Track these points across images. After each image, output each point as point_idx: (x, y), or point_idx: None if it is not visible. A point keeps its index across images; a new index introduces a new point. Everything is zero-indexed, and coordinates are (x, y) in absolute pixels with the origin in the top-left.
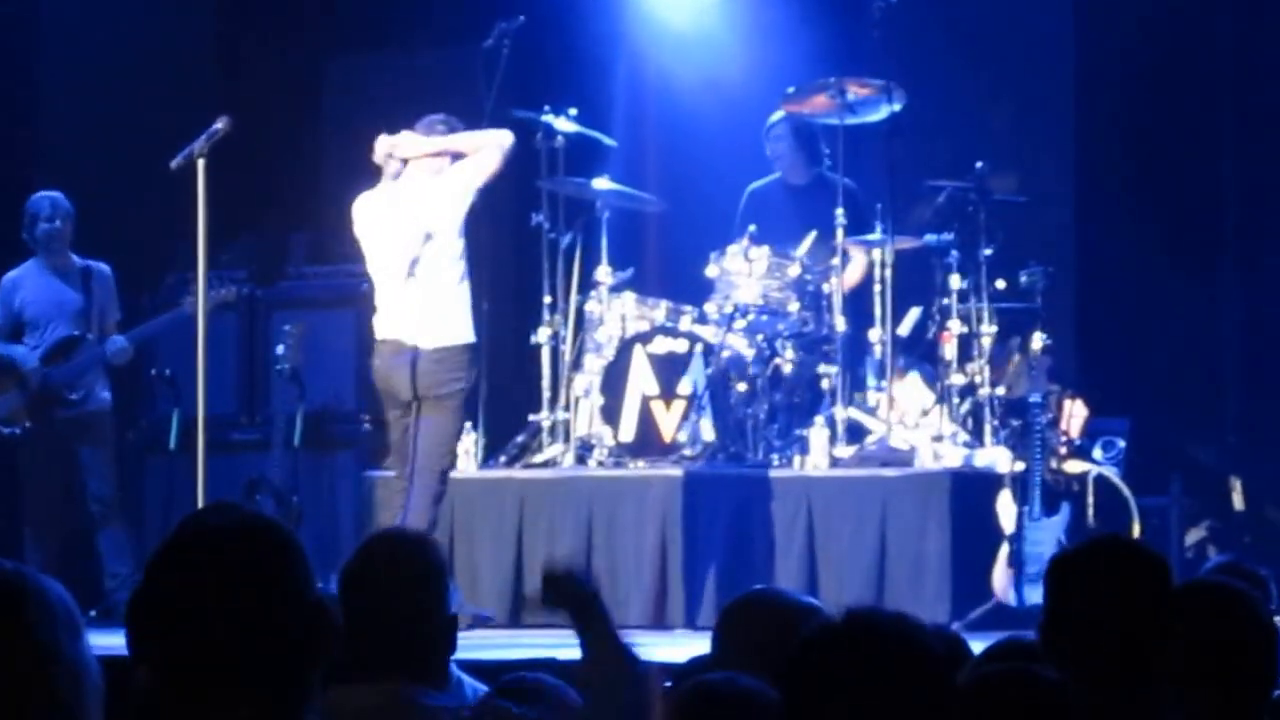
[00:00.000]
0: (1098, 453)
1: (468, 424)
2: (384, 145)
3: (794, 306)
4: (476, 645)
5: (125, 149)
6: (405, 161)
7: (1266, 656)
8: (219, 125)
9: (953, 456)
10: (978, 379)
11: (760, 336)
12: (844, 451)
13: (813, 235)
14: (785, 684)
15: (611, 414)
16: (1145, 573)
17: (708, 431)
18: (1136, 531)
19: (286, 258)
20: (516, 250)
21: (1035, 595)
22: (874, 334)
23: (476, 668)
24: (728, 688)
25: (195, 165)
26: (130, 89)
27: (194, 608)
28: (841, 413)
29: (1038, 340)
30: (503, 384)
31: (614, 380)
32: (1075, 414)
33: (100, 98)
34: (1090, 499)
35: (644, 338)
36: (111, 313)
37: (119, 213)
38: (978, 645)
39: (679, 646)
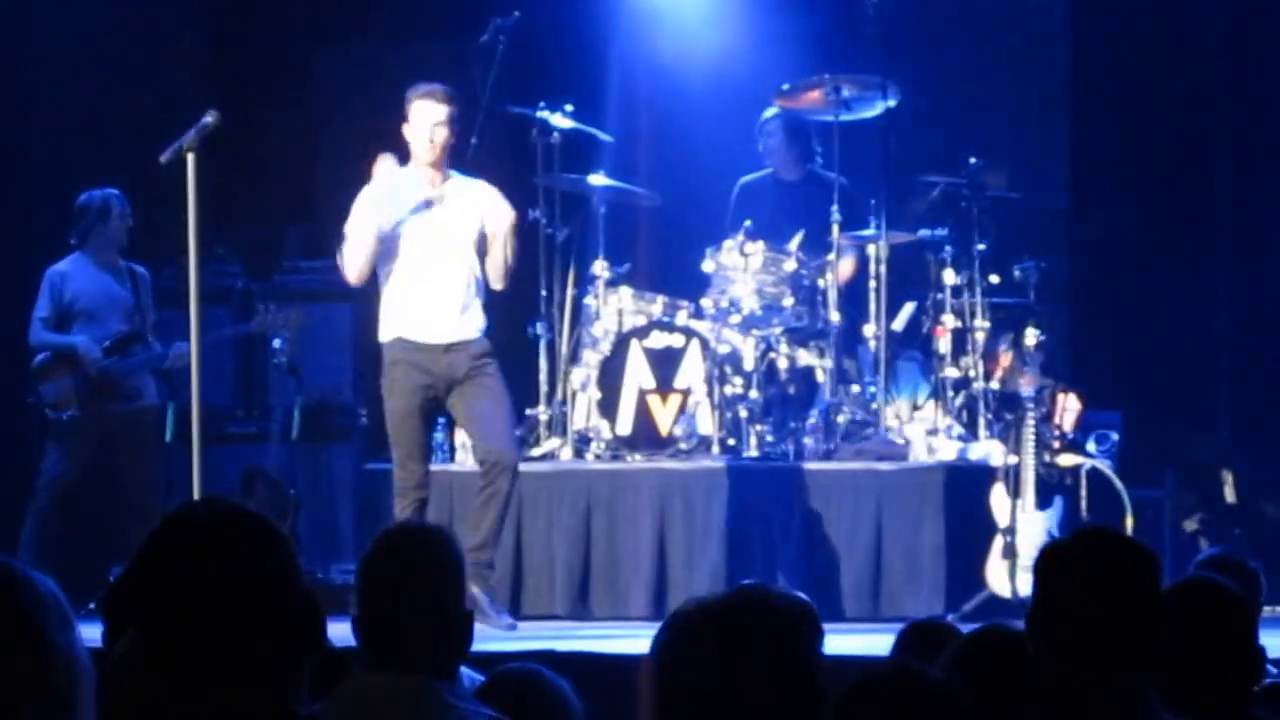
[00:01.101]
0: (1091, 446)
1: None
2: None
3: (789, 301)
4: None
5: (118, 141)
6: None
7: (1248, 650)
8: (208, 119)
9: (947, 450)
10: (971, 373)
11: (756, 331)
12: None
13: (800, 235)
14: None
15: (609, 408)
16: (1133, 564)
17: (704, 425)
18: (1130, 524)
19: (281, 251)
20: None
21: (1028, 587)
22: (869, 329)
23: (473, 657)
24: None
25: (185, 159)
26: (122, 82)
27: (179, 599)
28: (836, 406)
29: (1031, 335)
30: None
31: (611, 374)
32: (1069, 408)
33: (92, 91)
34: (1083, 492)
35: (640, 332)
36: (150, 314)
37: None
38: None
39: None
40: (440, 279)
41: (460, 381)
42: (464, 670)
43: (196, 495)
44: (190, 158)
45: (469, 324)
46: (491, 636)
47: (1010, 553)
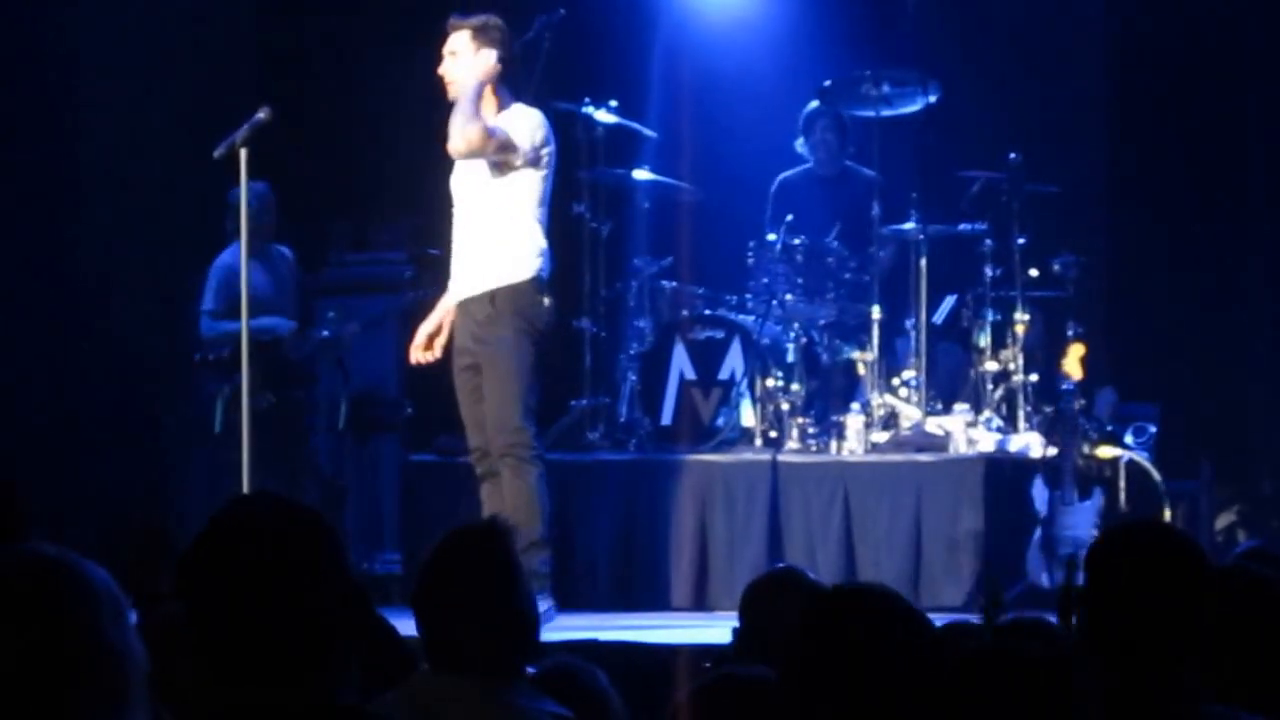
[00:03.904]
0: (1129, 438)
1: None
2: None
3: (830, 295)
4: None
5: (170, 138)
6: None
7: None
8: (261, 115)
9: (986, 442)
10: (1011, 366)
11: (797, 324)
12: (880, 437)
13: (837, 227)
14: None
15: (651, 400)
16: (1182, 558)
17: (745, 417)
18: (1167, 516)
19: (328, 245)
20: (558, 239)
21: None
22: (909, 322)
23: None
24: (749, 675)
25: (238, 154)
26: (173, 79)
27: (229, 593)
28: (877, 399)
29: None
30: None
31: (654, 367)
32: (1071, 355)
33: (144, 88)
34: (1122, 484)
35: (683, 325)
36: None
37: (165, 200)
38: None
39: (720, 628)
40: (461, 230)
41: (476, 350)
42: None
43: (245, 487)
44: (243, 153)
45: (478, 277)
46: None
47: (1049, 544)
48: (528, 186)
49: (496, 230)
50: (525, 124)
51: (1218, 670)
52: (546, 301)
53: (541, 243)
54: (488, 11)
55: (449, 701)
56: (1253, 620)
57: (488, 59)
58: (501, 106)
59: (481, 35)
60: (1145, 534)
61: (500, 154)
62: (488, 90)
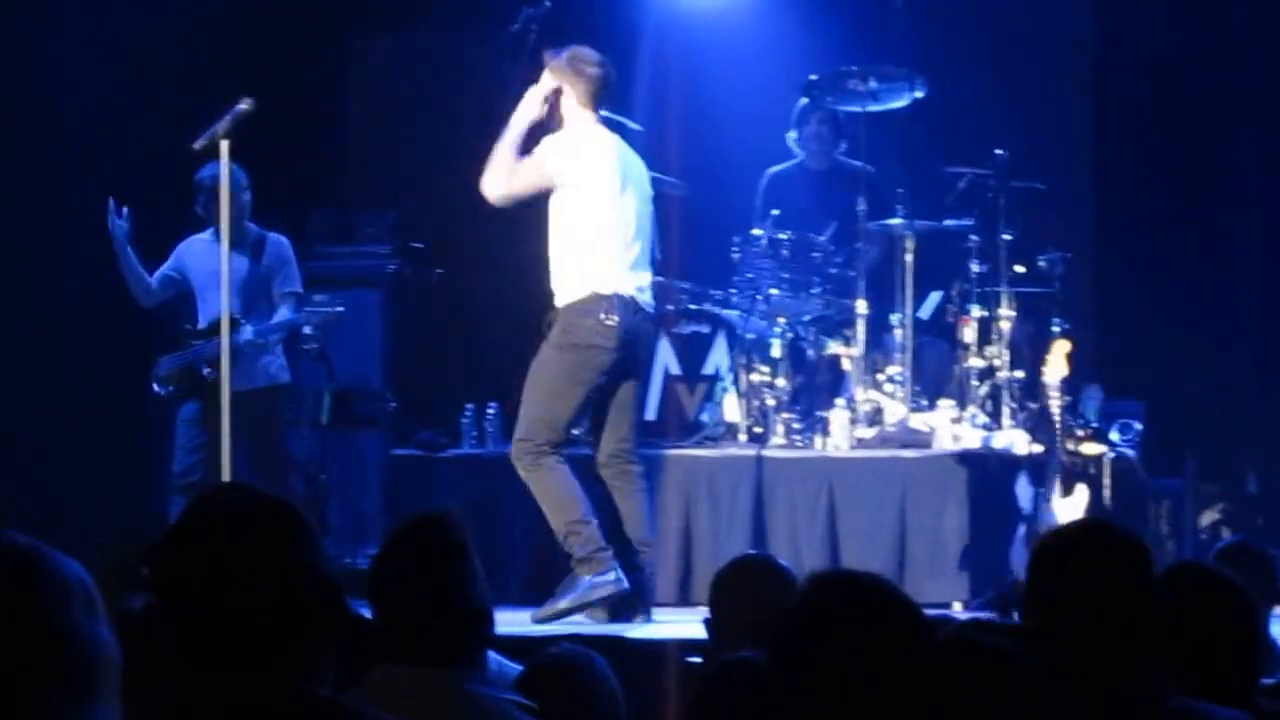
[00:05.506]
0: (1114, 435)
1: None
2: None
3: (816, 290)
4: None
5: (150, 127)
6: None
7: (1247, 636)
8: (242, 105)
9: (971, 438)
10: (996, 362)
11: (783, 319)
12: (865, 433)
13: (833, 227)
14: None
15: None
16: (1124, 555)
17: (730, 413)
18: (1151, 513)
19: (311, 237)
20: (543, 233)
21: None
22: (895, 317)
23: (502, 644)
24: (749, 666)
25: (219, 145)
26: (155, 68)
27: (202, 582)
28: (862, 395)
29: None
30: (529, 365)
31: None
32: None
33: (124, 76)
34: (1106, 481)
35: (667, 320)
36: (283, 283)
37: (144, 191)
38: None
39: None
40: None
41: None
42: (493, 656)
43: (226, 480)
44: (224, 144)
45: (556, 292)
46: (519, 622)
47: (1033, 541)
48: (570, 209)
49: (555, 250)
50: (552, 157)
51: (1175, 663)
52: (602, 317)
53: (587, 261)
54: (474, 6)
55: (407, 692)
56: (1200, 613)
57: (535, 99)
58: (554, 128)
59: (557, 71)
60: (1085, 532)
61: (535, 195)
62: (572, 108)
